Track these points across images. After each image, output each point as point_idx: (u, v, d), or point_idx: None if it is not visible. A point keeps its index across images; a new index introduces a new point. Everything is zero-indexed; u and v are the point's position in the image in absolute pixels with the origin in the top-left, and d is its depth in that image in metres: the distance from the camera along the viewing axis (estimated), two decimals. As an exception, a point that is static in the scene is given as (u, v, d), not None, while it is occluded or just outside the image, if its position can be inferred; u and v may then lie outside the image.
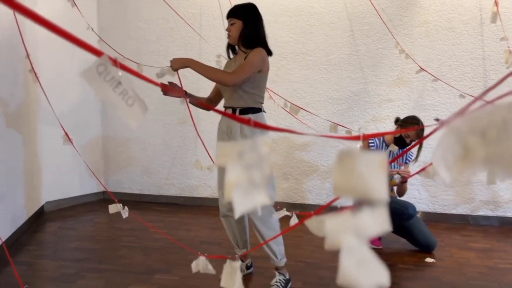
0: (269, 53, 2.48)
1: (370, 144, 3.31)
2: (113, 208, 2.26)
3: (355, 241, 0.37)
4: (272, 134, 3.66)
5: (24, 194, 3.63)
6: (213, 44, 4.22)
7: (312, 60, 4.15)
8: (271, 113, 3.98)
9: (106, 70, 0.57)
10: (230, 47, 2.60)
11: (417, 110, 3.90)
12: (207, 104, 2.66)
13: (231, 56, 2.61)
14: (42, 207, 4.11)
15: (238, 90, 2.42)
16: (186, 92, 2.48)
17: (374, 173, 0.37)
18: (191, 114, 2.51)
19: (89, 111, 4.42)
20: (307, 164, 4.23)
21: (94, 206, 4.37)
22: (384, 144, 3.33)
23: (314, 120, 4.08)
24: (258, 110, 2.50)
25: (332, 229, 0.37)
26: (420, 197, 4.05)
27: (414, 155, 3.32)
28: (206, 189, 4.49)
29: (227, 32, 2.51)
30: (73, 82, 4.12)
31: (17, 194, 3.48)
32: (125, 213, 2.30)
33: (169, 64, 2.39)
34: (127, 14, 4.43)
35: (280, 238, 2.59)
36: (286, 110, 3.77)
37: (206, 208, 4.33)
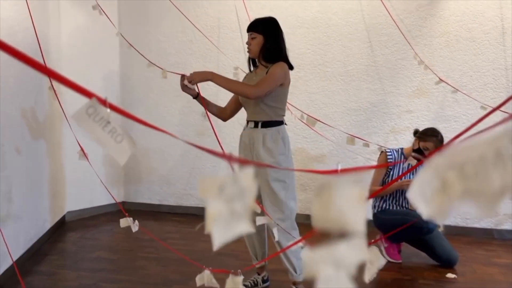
0: (290, 67, 2.50)
1: (388, 157, 3.27)
2: (124, 222, 2.29)
3: (332, 272, 0.38)
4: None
5: (47, 204, 3.72)
6: (231, 57, 4.26)
7: (330, 71, 4.14)
8: (289, 124, 3.98)
9: (95, 111, 0.60)
10: (252, 60, 2.62)
11: (438, 121, 3.84)
12: (216, 113, 2.69)
13: (252, 69, 2.64)
14: (64, 216, 4.20)
15: (260, 103, 2.44)
16: (198, 94, 2.52)
17: (352, 206, 0.38)
18: (212, 125, 2.55)
19: (110, 122, 4.51)
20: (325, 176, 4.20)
21: (114, 216, 4.44)
22: (402, 157, 3.28)
23: (331, 131, 4.06)
24: (280, 123, 2.53)
25: (310, 260, 0.37)
26: (441, 210, 3.96)
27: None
28: (224, 200, 4.51)
29: (247, 46, 2.53)
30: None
31: (41, 204, 3.57)
32: (135, 227, 2.33)
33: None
34: (148, 27, 4.53)
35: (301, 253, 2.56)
36: (303, 122, 3.76)
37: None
